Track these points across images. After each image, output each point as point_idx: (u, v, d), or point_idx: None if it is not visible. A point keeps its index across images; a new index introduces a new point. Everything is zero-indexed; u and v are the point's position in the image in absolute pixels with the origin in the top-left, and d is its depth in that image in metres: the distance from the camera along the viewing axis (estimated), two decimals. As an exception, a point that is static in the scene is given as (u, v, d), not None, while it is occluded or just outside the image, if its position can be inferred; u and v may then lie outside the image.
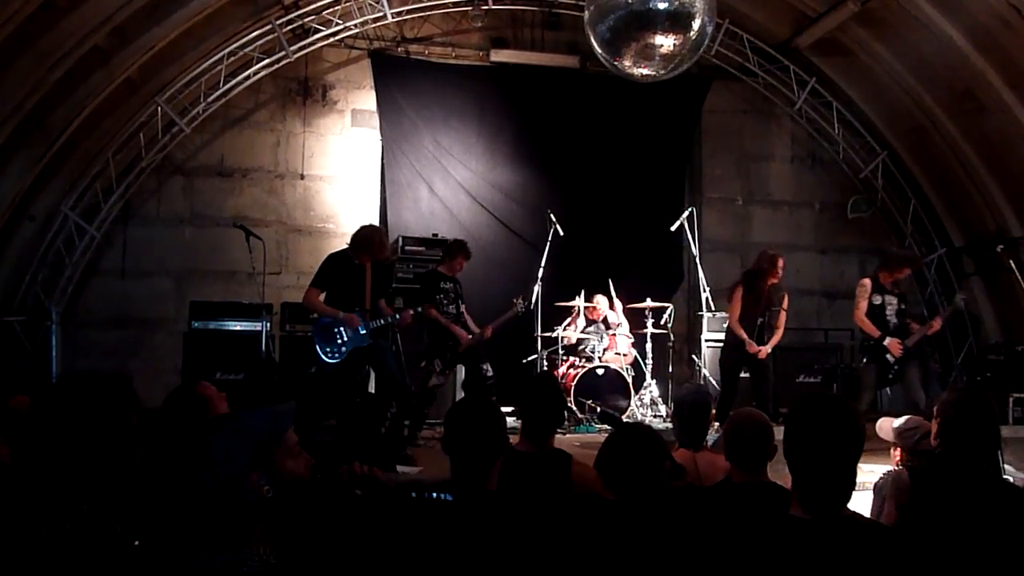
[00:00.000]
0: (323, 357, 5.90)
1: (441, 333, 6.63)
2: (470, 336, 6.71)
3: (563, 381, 7.64)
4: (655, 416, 7.80)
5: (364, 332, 5.97)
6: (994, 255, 8.10)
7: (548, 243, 7.85)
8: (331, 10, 8.19)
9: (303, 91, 8.89)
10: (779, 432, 2.57)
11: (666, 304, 8.17)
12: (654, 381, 8.01)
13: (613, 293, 8.14)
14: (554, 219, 7.89)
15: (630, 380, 7.65)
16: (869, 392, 6.60)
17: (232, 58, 8.01)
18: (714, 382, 7.64)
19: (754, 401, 6.48)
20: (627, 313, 8.11)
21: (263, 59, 8.14)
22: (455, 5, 8.61)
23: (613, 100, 8.84)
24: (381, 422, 5.77)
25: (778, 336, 6.67)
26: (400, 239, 8.34)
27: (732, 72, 9.17)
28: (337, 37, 8.46)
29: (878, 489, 3.01)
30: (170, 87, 7.90)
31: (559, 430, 6.99)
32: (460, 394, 7.35)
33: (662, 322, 8.15)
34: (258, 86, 8.49)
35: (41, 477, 1.70)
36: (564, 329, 7.90)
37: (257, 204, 8.76)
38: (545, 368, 7.86)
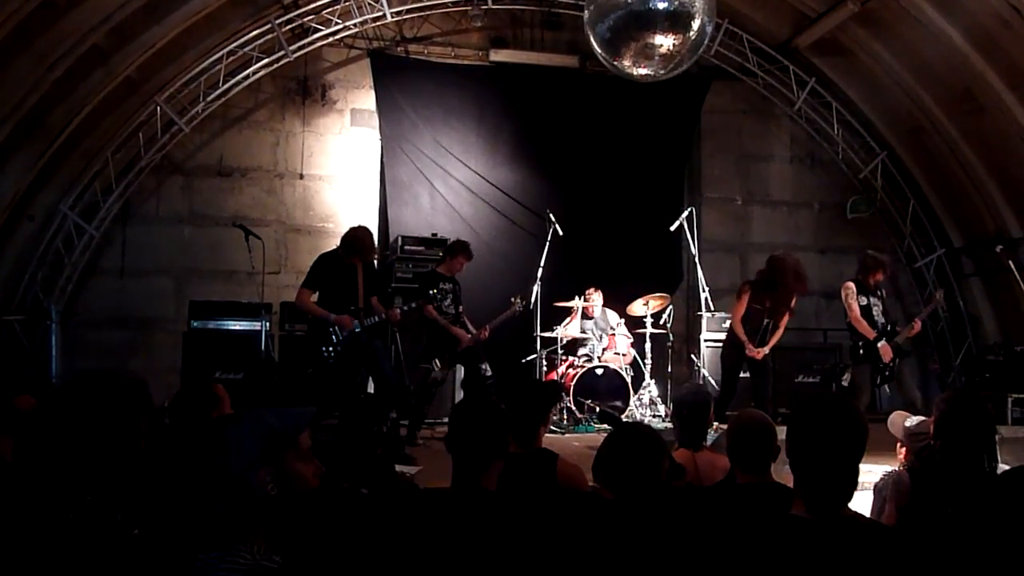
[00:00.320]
0: (323, 355, 5.93)
1: (440, 333, 6.65)
2: (469, 336, 6.73)
3: (562, 381, 7.65)
4: (654, 416, 7.81)
5: (359, 331, 5.99)
6: (993, 256, 8.10)
7: (547, 243, 7.85)
8: (330, 10, 8.19)
9: (302, 91, 8.89)
10: (779, 432, 2.59)
11: (662, 295, 8.14)
12: (653, 381, 8.01)
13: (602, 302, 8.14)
14: (553, 219, 7.90)
15: (629, 380, 7.67)
16: (866, 392, 6.64)
17: (231, 57, 8.01)
18: (713, 382, 7.65)
19: (753, 401, 6.49)
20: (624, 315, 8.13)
21: (262, 59, 8.14)
22: (455, 5, 8.60)
23: (612, 100, 8.83)
24: (382, 422, 5.77)
25: (778, 335, 6.67)
26: (399, 239, 8.35)
27: (732, 72, 9.17)
28: (336, 37, 8.45)
29: (878, 490, 3.01)
30: (169, 86, 7.90)
31: (558, 430, 7.09)
32: (460, 394, 7.37)
33: (661, 322, 8.16)
34: (257, 85, 8.49)
35: (47, 470, 1.72)
36: (564, 328, 7.90)
37: (256, 204, 8.75)
38: (544, 368, 7.88)
